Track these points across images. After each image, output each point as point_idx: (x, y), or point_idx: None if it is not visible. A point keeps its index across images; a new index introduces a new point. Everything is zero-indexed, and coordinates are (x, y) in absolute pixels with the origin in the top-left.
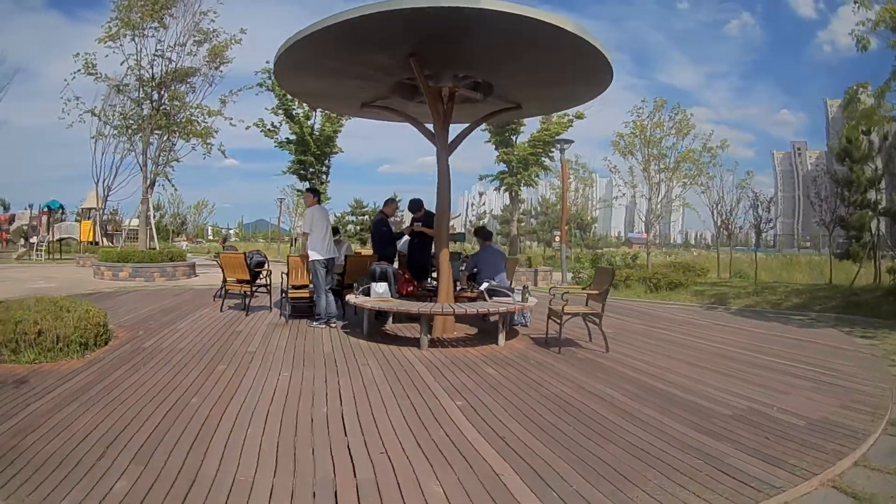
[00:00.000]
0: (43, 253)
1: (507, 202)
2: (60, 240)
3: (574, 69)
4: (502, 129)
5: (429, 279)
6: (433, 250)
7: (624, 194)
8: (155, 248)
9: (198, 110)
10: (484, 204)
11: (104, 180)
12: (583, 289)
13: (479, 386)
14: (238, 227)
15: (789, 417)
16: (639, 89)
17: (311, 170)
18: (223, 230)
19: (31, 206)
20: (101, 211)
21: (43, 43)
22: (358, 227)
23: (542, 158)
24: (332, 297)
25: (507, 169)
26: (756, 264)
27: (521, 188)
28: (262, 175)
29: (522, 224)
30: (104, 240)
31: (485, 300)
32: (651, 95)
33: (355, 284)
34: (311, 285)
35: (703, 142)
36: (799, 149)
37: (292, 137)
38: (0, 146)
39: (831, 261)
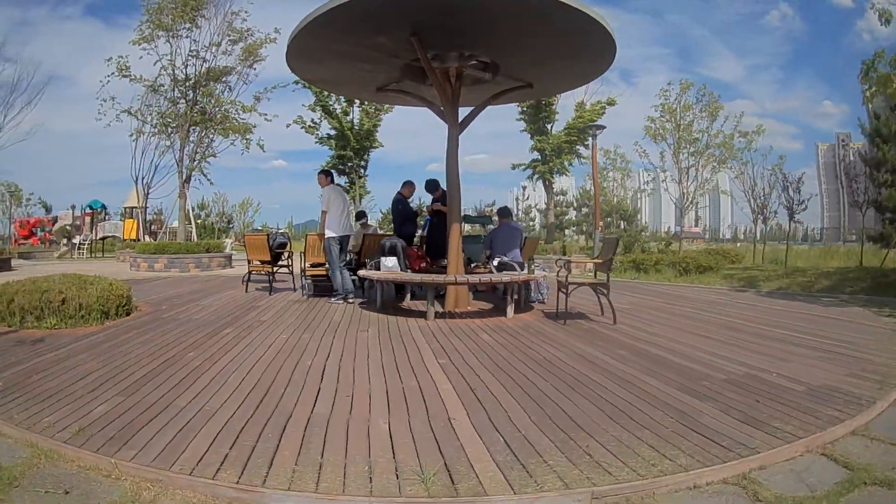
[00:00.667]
0: (85, 251)
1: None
2: (104, 238)
3: (577, 44)
4: (537, 117)
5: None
6: None
7: (654, 178)
8: (192, 241)
9: (231, 106)
10: (528, 198)
11: (143, 178)
12: (590, 259)
13: (468, 349)
14: (288, 227)
15: (787, 383)
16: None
17: (349, 164)
18: (272, 229)
19: (73, 207)
20: (143, 209)
21: (82, 50)
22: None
23: (578, 147)
24: (346, 273)
25: (540, 157)
26: (788, 247)
27: (555, 177)
28: (310, 176)
29: (567, 217)
30: (146, 237)
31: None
32: (695, 89)
33: (367, 260)
34: (327, 263)
35: (734, 124)
36: (843, 140)
37: (332, 133)
38: (41, 152)
39: (863, 242)
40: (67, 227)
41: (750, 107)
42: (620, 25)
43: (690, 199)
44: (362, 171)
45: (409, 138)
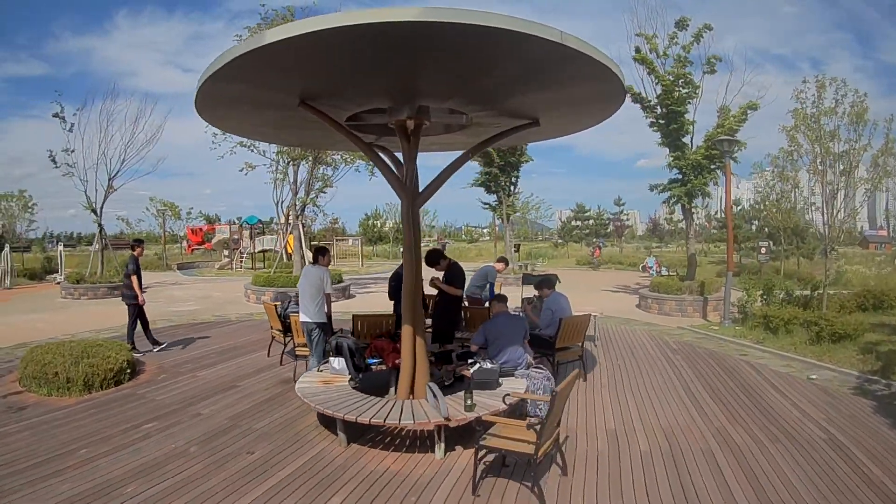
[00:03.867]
0: (243, 264)
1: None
2: (263, 251)
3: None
4: (668, 129)
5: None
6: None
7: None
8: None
9: None
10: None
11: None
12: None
13: None
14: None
15: None
16: (867, 70)
17: (496, 182)
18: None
19: (233, 221)
20: (299, 225)
21: None
22: (584, 232)
23: (719, 163)
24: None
25: (679, 177)
26: None
27: (693, 200)
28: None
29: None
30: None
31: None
32: (881, 78)
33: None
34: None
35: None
36: None
37: None
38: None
39: None
40: (226, 240)
41: None
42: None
43: (842, 227)
44: (513, 188)
45: (617, 135)
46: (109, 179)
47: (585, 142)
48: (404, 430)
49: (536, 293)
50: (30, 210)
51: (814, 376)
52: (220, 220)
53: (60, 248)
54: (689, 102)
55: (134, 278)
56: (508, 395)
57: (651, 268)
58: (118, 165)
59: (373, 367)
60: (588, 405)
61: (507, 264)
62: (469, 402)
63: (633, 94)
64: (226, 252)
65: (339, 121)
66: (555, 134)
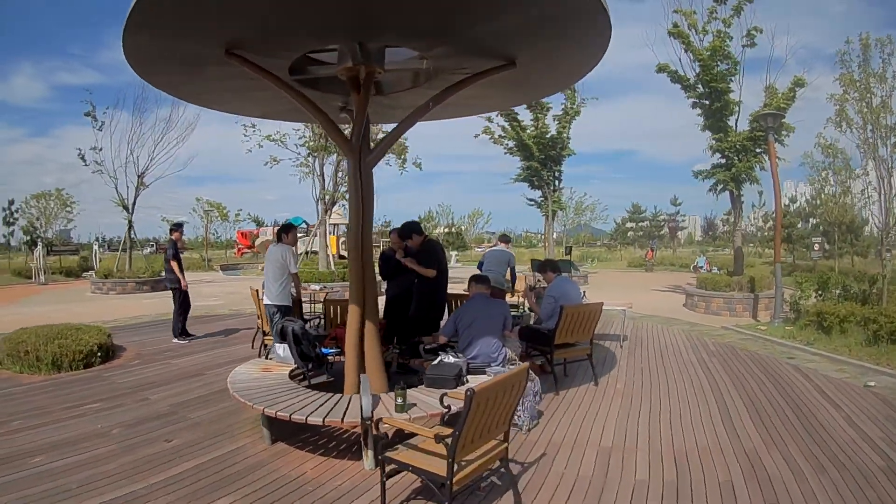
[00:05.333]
0: None
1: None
2: (306, 252)
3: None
4: (711, 109)
5: (419, 340)
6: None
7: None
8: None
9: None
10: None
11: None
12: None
13: None
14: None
15: None
16: None
17: (537, 176)
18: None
19: (276, 223)
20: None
21: None
22: (638, 234)
23: (765, 147)
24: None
25: (723, 162)
26: None
27: (741, 187)
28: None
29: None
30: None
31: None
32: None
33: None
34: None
35: None
36: None
37: (509, 144)
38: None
39: None
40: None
41: None
42: None
43: None
44: (557, 182)
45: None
46: (139, 177)
47: (646, 147)
48: (347, 432)
49: (539, 278)
50: (68, 209)
51: (871, 383)
52: (268, 223)
53: (95, 246)
54: (731, 80)
55: (174, 263)
56: (447, 394)
57: (702, 268)
58: (147, 162)
59: (329, 357)
60: (587, 415)
61: (508, 243)
62: (400, 400)
63: (670, 71)
64: None
65: (277, 75)
66: (537, 89)
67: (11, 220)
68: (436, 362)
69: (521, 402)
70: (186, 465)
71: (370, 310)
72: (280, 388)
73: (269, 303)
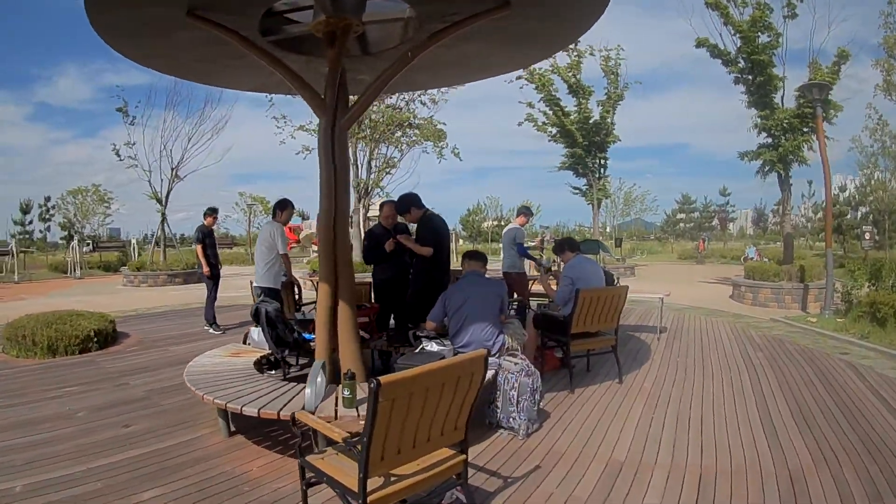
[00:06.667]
0: None
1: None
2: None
3: None
4: (754, 84)
5: (409, 326)
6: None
7: None
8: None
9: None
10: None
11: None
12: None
13: None
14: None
15: None
16: None
17: (582, 164)
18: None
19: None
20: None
21: None
22: (689, 225)
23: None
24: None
25: (770, 141)
26: None
27: (788, 167)
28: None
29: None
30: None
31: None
32: None
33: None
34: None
35: None
36: None
37: (552, 131)
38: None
39: None
40: (313, 235)
41: None
42: None
43: None
44: (602, 170)
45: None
46: (172, 170)
47: (700, 140)
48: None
49: (557, 259)
50: (106, 204)
51: None
52: (312, 217)
53: (133, 241)
54: (773, 54)
55: (199, 248)
56: None
57: (751, 258)
58: (182, 154)
59: (311, 343)
60: (601, 419)
61: (528, 217)
62: (348, 392)
63: (709, 45)
64: (314, 248)
65: (245, 35)
66: (539, 43)
67: (48, 216)
68: (417, 350)
69: (514, 400)
70: (133, 453)
71: (345, 285)
72: (236, 375)
73: (256, 285)
